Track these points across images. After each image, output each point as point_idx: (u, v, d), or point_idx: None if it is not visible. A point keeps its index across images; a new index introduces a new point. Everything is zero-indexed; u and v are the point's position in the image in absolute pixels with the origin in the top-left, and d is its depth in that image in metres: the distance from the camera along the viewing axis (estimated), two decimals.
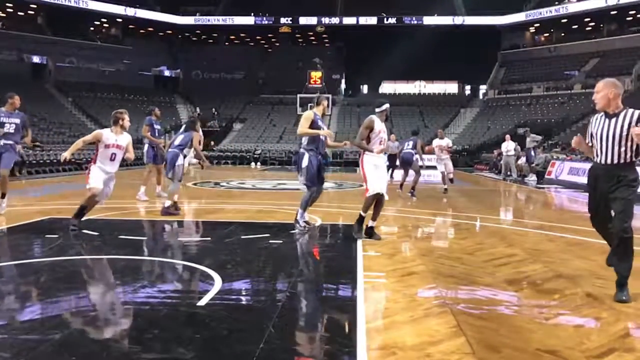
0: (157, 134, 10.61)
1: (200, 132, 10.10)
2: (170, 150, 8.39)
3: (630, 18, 38.11)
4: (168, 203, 8.15)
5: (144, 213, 8.78)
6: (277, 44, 48.13)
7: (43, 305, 3.74)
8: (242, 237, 6.47)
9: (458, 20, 43.07)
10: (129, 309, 3.70)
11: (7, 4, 38.12)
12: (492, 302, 3.97)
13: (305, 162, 6.56)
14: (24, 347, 2.89)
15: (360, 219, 6.26)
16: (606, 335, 3.26)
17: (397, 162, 13.28)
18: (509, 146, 18.23)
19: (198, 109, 39.47)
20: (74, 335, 3.07)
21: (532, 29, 43.98)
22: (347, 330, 3.36)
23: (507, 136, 19.02)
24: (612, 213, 3.95)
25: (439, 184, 13.64)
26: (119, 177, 6.96)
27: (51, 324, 3.26)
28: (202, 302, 3.73)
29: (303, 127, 6.55)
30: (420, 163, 12.05)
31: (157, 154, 10.39)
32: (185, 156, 8.60)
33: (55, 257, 5.07)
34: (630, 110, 3.95)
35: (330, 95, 33.43)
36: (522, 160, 19.61)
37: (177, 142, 8.40)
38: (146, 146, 10.52)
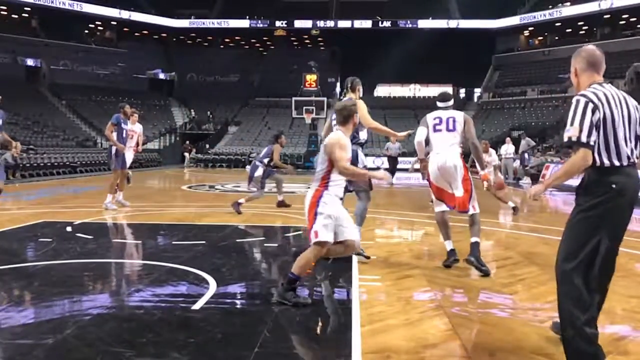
0: (125, 135, 9.27)
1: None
2: (254, 162, 9.39)
3: (623, 22, 38.38)
4: (242, 200, 8.90)
5: (139, 217, 8.75)
6: (272, 47, 48.13)
7: (36, 310, 3.72)
8: (237, 240, 6.46)
9: (452, 23, 43.20)
10: (123, 313, 3.68)
11: (1, 7, 37.95)
12: (487, 305, 3.98)
13: (363, 162, 5.06)
14: (17, 352, 2.87)
15: (477, 247, 4.89)
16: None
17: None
18: (508, 149, 18.22)
19: (193, 112, 39.35)
20: (67, 340, 3.05)
21: (526, 33, 44.17)
22: (342, 333, 3.35)
23: (508, 139, 19.00)
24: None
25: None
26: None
27: (45, 329, 3.25)
28: (197, 306, 3.73)
29: (368, 117, 5.08)
30: None
31: (124, 160, 9.31)
32: (268, 166, 9.21)
33: (49, 261, 5.04)
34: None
35: (326, 98, 33.78)
36: (516, 163, 19.66)
37: (261, 155, 9.40)
38: (114, 149, 9.17)
